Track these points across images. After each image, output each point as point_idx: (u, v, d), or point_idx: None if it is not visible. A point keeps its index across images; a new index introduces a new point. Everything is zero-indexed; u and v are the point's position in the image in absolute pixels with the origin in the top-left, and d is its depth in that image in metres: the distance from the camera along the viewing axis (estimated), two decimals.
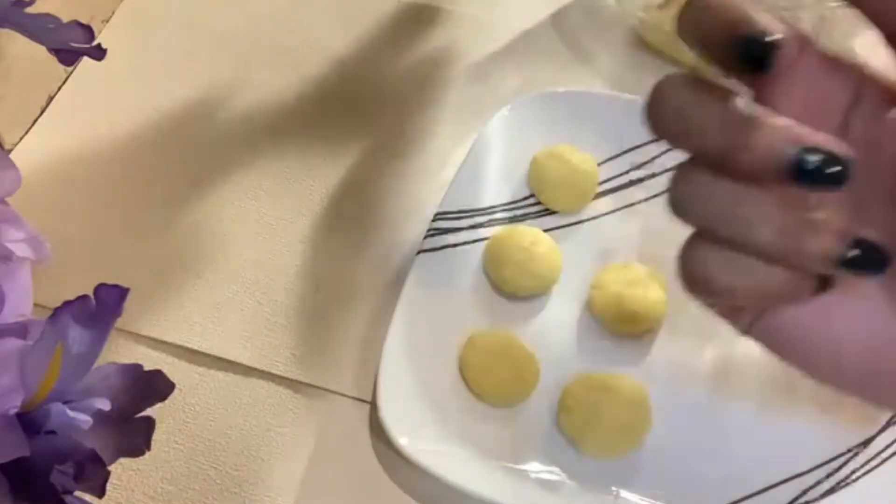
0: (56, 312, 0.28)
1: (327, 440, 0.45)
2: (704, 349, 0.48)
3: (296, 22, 0.61)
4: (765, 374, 0.47)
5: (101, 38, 0.59)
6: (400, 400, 0.44)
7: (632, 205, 0.52)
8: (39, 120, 0.56)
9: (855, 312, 0.25)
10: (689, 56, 0.58)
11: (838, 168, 0.21)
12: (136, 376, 0.31)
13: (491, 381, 0.45)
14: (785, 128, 0.21)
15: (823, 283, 0.24)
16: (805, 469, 0.44)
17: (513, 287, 0.48)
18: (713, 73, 0.22)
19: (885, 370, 0.25)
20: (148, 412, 0.31)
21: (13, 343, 0.29)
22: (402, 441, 0.42)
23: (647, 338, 0.48)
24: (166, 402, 0.31)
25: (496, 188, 0.52)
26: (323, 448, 0.45)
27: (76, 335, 0.28)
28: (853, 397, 0.26)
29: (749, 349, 0.48)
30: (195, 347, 0.48)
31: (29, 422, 0.28)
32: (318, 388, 0.46)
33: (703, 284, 0.24)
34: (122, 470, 0.44)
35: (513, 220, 0.51)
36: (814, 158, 0.21)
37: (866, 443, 0.44)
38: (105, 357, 0.30)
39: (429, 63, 0.60)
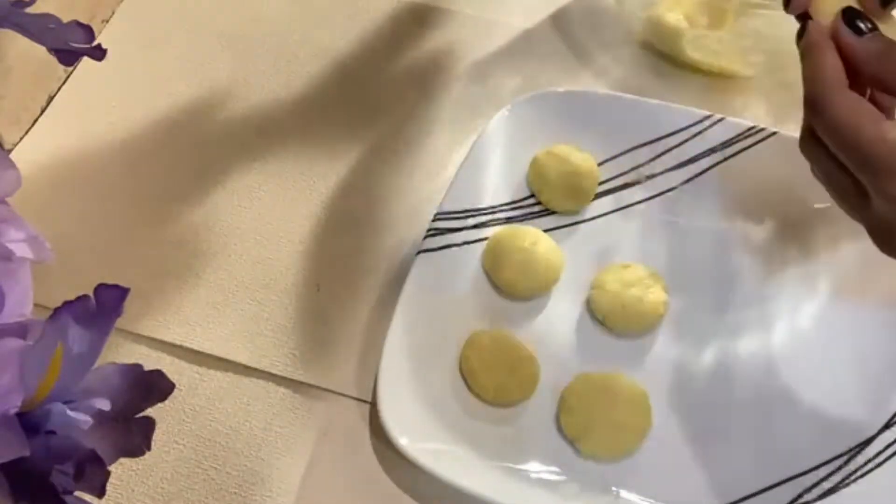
0: (56, 312, 0.28)
1: (327, 440, 0.45)
2: (704, 349, 0.48)
3: (296, 22, 0.61)
4: (765, 374, 0.47)
5: (101, 38, 0.59)
6: (400, 400, 0.44)
7: (632, 205, 0.52)
8: (39, 120, 0.56)
9: None
10: (689, 56, 0.58)
11: None
12: (136, 376, 0.31)
13: (491, 381, 0.45)
14: None
15: None
16: (805, 469, 0.44)
17: (513, 287, 0.48)
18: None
19: None
20: (148, 412, 0.31)
21: (13, 343, 0.29)
22: (402, 441, 0.42)
23: (647, 338, 0.48)
24: (166, 402, 0.31)
25: (496, 188, 0.52)
26: (323, 448, 0.45)
27: (76, 335, 0.28)
28: None
29: (749, 349, 0.48)
30: (195, 347, 0.48)
31: (29, 422, 0.28)
32: (318, 388, 0.46)
33: None
34: (122, 470, 0.44)
35: (513, 220, 0.51)
36: None
37: (866, 443, 0.44)
38: (105, 357, 0.30)
39: (429, 63, 0.59)
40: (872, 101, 0.38)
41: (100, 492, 0.28)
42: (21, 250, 0.33)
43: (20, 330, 0.30)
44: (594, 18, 0.62)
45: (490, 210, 0.51)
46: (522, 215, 0.52)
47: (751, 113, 0.57)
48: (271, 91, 0.58)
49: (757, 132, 0.53)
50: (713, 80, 0.59)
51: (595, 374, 0.46)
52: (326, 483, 0.44)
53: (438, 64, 0.59)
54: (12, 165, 0.35)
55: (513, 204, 0.52)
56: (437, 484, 0.41)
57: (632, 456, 0.44)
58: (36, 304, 0.33)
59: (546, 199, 0.52)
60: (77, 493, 0.29)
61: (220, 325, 0.48)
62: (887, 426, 0.45)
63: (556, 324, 0.48)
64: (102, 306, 0.29)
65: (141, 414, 0.31)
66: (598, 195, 0.52)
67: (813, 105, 0.37)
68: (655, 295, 0.48)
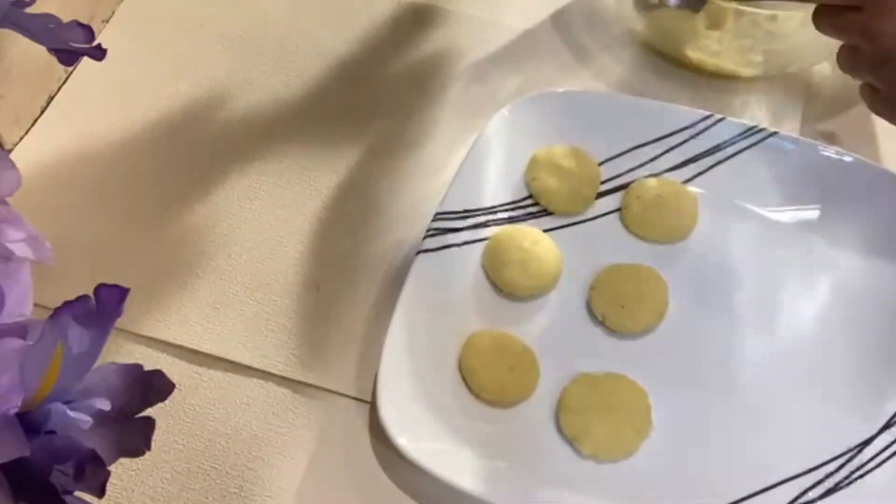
0: (56, 312, 0.28)
1: (327, 440, 0.45)
2: (704, 349, 0.48)
3: (296, 22, 0.61)
4: (765, 374, 0.47)
5: (101, 38, 0.59)
6: (400, 400, 0.44)
7: None
8: (39, 120, 0.56)
9: None
10: (689, 56, 0.58)
11: None
12: (136, 376, 0.31)
13: (491, 381, 0.45)
14: None
15: None
16: (805, 469, 0.44)
17: (513, 287, 0.48)
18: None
19: None
20: (148, 412, 0.31)
21: (13, 343, 0.29)
22: (402, 441, 0.42)
23: (647, 338, 0.48)
24: (166, 402, 0.31)
25: (496, 188, 0.52)
26: (323, 448, 0.45)
27: (76, 335, 0.28)
28: None
29: (749, 349, 0.48)
30: (195, 347, 0.48)
31: (29, 422, 0.28)
32: (318, 388, 0.46)
33: None
34: (122, 470, 0.44)
35: (513, 220, 0.51)
36: None
37: (866, 443, 0.44)
38: (105, 357, 0.30)
39: (429, 63, 0.60)
40: None
41: (100, 492, 0.28)
42: (21, 250, 0.33)
43: (20, 330, 0.30)
44: (594, 18, 0.62)
45: (490, 210, 0.51)
46: (522, 215, 0.52)
47: (751, 113, 0.57)
48: (271, 91, 0.58)
49: (757, 132, 0.53)
50: (713, 80, 0.59)
51: (595, 374, 0.46)
52: (326, 483, 0.44)
53: (438, 64, 0.59)
54: (12, 165, 0.35)
55: (513, 204, 0.52)
56: (436, 484, 0.41)
57: (632, 456, 0.44)
58: (36, 304, 0.33)
59: (546, 200, 0.52)
60: (77, 493, 0.29)
61: (220, 325, 0.48)
62: (887, 426, 0.45)
63: (556, 324, 0.48)
64: (102, 306, 0.29)
65: (141, 414, 0.31)
66: (599, 195, 0.52)
67: None
68: (655, 295, 0.48)
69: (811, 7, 0.49)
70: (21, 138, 0.55)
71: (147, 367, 0.31)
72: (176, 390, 0.32)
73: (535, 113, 0.53)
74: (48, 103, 0.57)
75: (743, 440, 0.45)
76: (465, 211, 0.50)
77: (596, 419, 0.44)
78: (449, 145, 0.55)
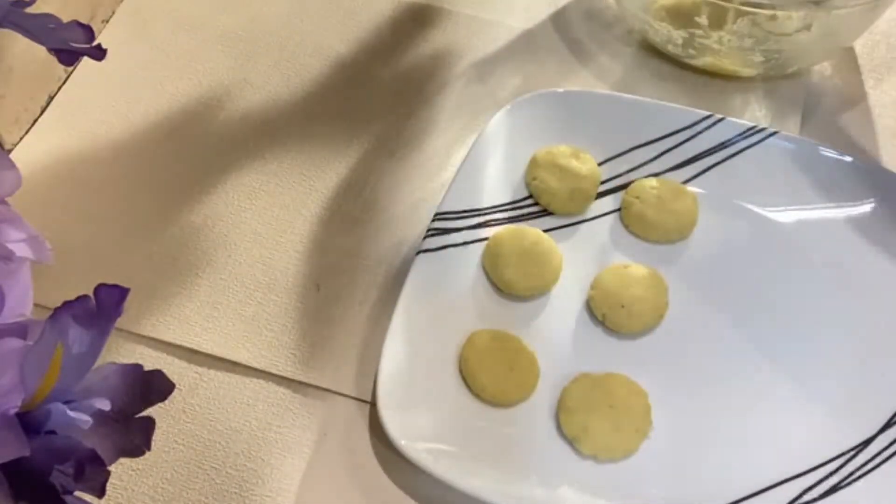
0: (56, 312, 0.28)
1: (327, 440, 0.45)
2: (704, 349, 0.48)
3: (296, 22, 0.61)
4: (765, 374, 0.47)
5: (101, 38, 0.59)
6: (400, 400, 0.44)
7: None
8: (39, 120, 0.56)
9: None
10: (689, 56, 0.58)
11: None
12: (136, 376, 0.31)
13: (491, 381, 0.45)
14: None
15: None
16: (805, 469, 0.44)
17: (513, 287, 0.48)
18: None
19: None
20: (148, 412, 0.31)
21: (13, 343, 0.29)
22: (402, 441, 0.42)
23: (647, 338, 0.48)
24: (166, 402, 0.31)
25: (496, 188, 0.52)
26: (323, 448, 0.45)
27: (76, 335, 0.28)
28: None
29: (749, 349, 0.48)
30: (195, 347, 0.48)
31: (29, 422, 0.28)
32: (318, 388, 0.47)
33: None
34: (122, 470, 0.44)
35: (513, 220, 0.51)
36: None
37: (866, 443, 0.44)
38: (105, 357, 0.30)
39: (429, 63, 0.60)
40: None
41: (100, 492, 0.28)
42: (21, 250, 0.33)
43: (20, 330, 0.30)
44: (594, 18, 0.62)
45: (490, 210, 0.51)
46: (522, 215, 0.52)
47: (751, 113, 0.57)
48: (271, 91, 0.58)
49: (757, 132, 0.53)
50: (713, 80, 0.59)
51: (595, 374, 0.46)
52: (326, 483, 0.44)
53: (438, 64, 0.59)
54: (12, 165, 0.35)
55: (513, 204, 0.52)
56: (437, 484, 0.41)
57: (632, 456, 0.44)
58: (36, 304, 0.33)
59: (546, 201, 0.52)
60: (77, 493, 0.29)
61: (220, 325, 0.48)
62: (887, 426, 0.45)
63: (556, 324, 0.48)
64: (102, 306, 0.29)
65: (141, 414, 0.31)
66: (599, 195, 0.52)
67: None
68: (655, 295, 0.48)
69: (811, 7, 0.49)
70: (21, 138, 0.55)
71: (147, 367, 0.31)
72: (176, 390, 0.32)
73: (535, 113, 0.53)
74: (48, 103, 0.57)
75: (743, 440, 0.45)
76: (465, 211, 0.50)
77: (596, 419, 0.44)
78: (449, 145, 0.55)
